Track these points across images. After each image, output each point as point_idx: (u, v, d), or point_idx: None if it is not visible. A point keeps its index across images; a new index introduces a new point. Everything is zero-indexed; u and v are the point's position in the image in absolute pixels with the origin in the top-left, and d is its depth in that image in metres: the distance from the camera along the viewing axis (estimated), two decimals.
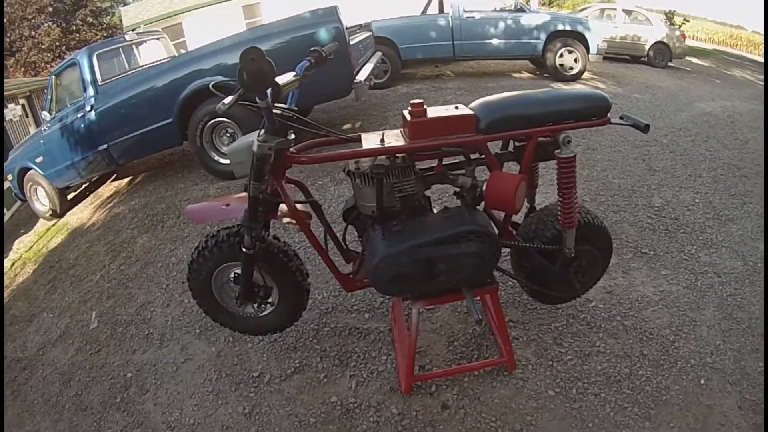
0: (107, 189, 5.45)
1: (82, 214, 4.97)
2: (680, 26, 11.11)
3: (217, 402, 1.99)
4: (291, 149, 1.61)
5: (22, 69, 15.85)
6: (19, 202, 6.17)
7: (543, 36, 6.71)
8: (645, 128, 1.58)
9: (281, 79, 1.42)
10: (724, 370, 1.80)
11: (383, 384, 1.87)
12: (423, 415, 1.73)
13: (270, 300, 1.88)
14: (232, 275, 1.84)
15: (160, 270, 3.14)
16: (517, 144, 1.76)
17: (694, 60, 11.01)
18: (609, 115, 1.64)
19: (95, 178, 5.60)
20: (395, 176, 1.56)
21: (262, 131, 1.50)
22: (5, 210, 6.51)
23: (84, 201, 5.38)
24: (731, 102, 6.27)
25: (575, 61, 6.73)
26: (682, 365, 1.83)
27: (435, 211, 1.72)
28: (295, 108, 1.56)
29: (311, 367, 2.01)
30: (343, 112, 5.66)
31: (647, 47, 9.59)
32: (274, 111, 1.50)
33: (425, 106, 1.53)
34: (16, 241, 5.24)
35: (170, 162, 5.45)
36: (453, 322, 2.09)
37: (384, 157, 1.58)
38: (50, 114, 4.72)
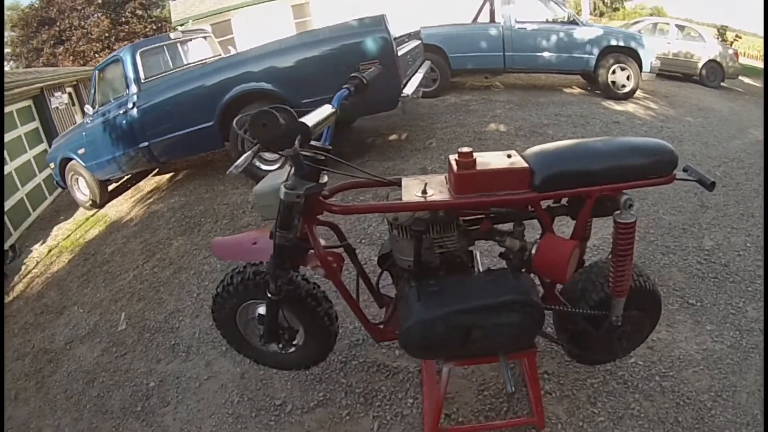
0: (148, 183, 5.57)
1: (121, 207, 5.10)
2: (732, 43, 10.59)
3: (236, 426, 1.98)
4: (324, 192, 1.51)
5: (71, 58, 16.38)
6: (59, 189, 6.37)
7: (596, 51, 6.48)
8: (710, 186, 1.44)
9: (312, 119, 1.33)
10: None
11: (407, 429, 1.81)
12: None
13: (295, 342, 1.83)
14: (256, 314, 1.79)
15: (193, 277, 3.16)
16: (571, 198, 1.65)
17: (746, 80, 10.44)
18: (674, 171, 1.48)
19: (137, 171, 5.72)
20: (436, 231, 1.46)
21: (291, 174, 1.41)
22: (46, 196, 6.76)
23: (125, 194, 5.52)
24: None
25: (627, 78, 6.48)
26: None
27: (478, 263, 1.64)
28: (329, 147, 1.46)
29: (335, 402, 1.97)
30: (389, 122, 5.59)
31: (700, 65, 9.19)
32: (304, 153, 1.38)
33: (474, 156, 1.40)
34: (55, 228, 5.41)
35: (212, 161, 5.49)
36: (485, 369, 2.00)
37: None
38: (93, 108, 4.81)
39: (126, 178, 5.88)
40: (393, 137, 5.11)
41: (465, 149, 1.38)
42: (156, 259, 3.55)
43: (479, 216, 1.55)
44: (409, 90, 3.87)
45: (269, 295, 1.57)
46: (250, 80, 3.94)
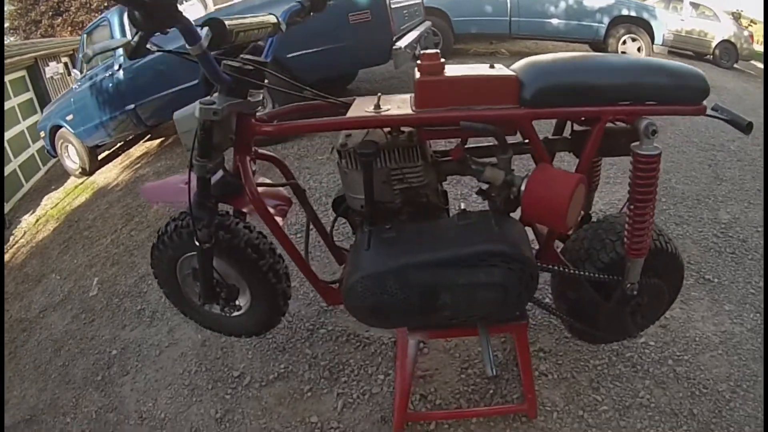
0: (139, 149, 5.44)
1: (110, 173, 4.97)
2: (748, 27, 10.10)
3: (191, 398, 1.80)
4: (258, 116, 1.23)
5: (70, 29, 16.12)
6: (53, 159, 6.28)
7: (606, 20, 6.22)
8: (747, 127, 1.13)
9: (233, 20, 1.07)
10: None
11: (374, 410, 1.58)
12: None
13: (237, 303, 1.56)
14: (190, 270, 1.51)
15: None
16: (576, 128, 1.31)
17: (759, 65, 9.97)
18: (704, 102, 1.17)
19: (130, 137, 5.56)
20: (394, 160, 1.16)
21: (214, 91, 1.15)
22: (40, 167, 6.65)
23: (115, 160, 5.39)
24: None
25: (638, 50, 6.21)
26: None
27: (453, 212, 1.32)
28: (264, 60, 1.19)
29: (297, 376, 1.75)
30: (387, 83, 5.38)
31: (713, 45, 8.75)
32: (230, 63, 1.13)
33: (442, 60, 1.10)
34: (45, 197, 5.33)
35: None
36: (471, 343, 1.76)
37: (382, 131, 1.17)
38: (81, 72, 4.69)
39: (118, 145, 5.74)
40: None
41: (430, 51, 1.09)
42: (134, 222, 3.40)
43: (453, 147, 1.23)
44: (402, 43, 3.62)
45: (196, 242, 1.28)
46: None
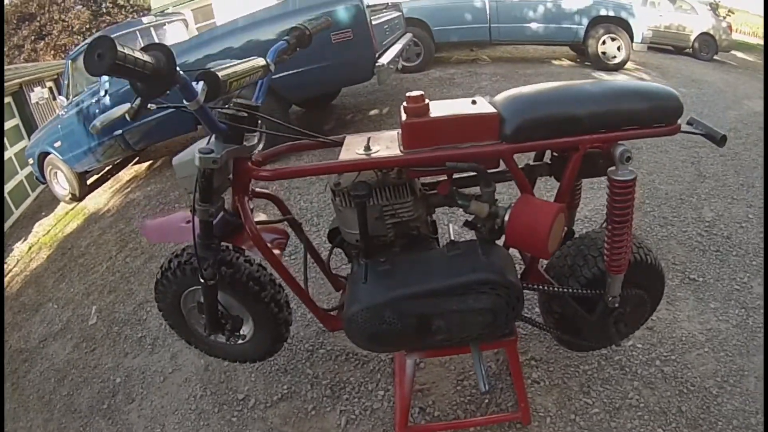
0: (127, 173, 5.42)
1: (100, 198, 4.96)
2: (725, 17, 10.28)
3: (198, 423, 1.83)
4: (254, 158, 1.28)
5: (53, 52, 16.04)
6: (42, 186, 6.24)
7: (585, 21, 6.25)
8: (721, 141, 1.19)
9: (226, 68, 1.12)
10: None
11: (376, 425, 1.63)
12: None
13: (241, 333, 1.61)
14: (195, 303, 1.56)
15: None
16: (555, 154, 1.36)
17: (739, 54, 10.16)
18: (679, 121, 1.22)
19: (117, 162, 5.56)
20: (385, 198, 1.22)
21: (212, 138, 1.19)
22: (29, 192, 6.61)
23: (104, 185, 5.37)
24: None
25: (618, 49, 6.26)
26: (722, 427, 1.52)
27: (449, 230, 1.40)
28: (256, 104, 1.23)
29: (300, 396, 1.80)
30: (371, 97, 5.41)
31: (692, 38, 8.94)
32: (224, 111, 1.16)
33: (427, 101, 1.15)
34: (36, 224, 5.29)
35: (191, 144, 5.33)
36: (465, 357, 1.81)
37: (371, 170, 1.23)
38: (67, 99, 4.67)
39: (106, 169, 5.73)
40: (374, 112, 4.93)
41: (415, 93, 1.14)
42: (129, 248, 3.41)
43: (441, 179, 1.29)
44: (384, 60, 3.68)
45: (202, 280, 1.33)
46: (230, 56, 3.73)
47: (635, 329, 1.60)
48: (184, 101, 1.05)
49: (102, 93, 4.21)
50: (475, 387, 1.69)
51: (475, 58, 7.33)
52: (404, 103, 1.15)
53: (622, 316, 1.42)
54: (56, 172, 5.17)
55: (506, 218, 1.16)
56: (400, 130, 1.21)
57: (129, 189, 4.73)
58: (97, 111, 4.30)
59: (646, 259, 1.40)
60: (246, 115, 1.18)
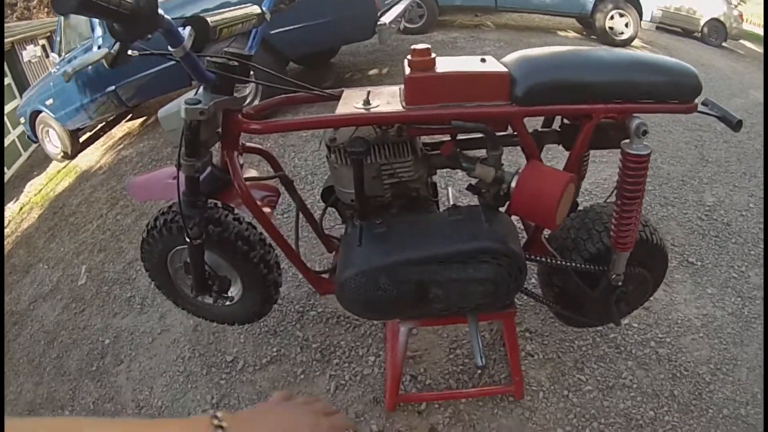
0: (120, 130, 5.32)
1: (92, 156, 4.87)
2: (737, 6, 10.05)
3: (186, 385, 1.81)
4: (245, 111, 1.20)
5: (46, 9, 15.52)
6: (34, 145, 6.15)
7: None
8: (737, 126, 1.14)
9: (216, 16, 1.04)
10: (757, 427, 1.48)
11: (366, 391, 1.61)
12: None
13: (229, 294, 1.56)
14: (182, 263, 1.50)
15: None
16: (566, 121, 1.30)
17: (748, 44, 9.98)
18: (697, 100, 1.16)
19: (111, 119, 5.44)
20: (384, 155, 1.15)
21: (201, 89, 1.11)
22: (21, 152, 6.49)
23: (96, 142, 5.27)
24: None
25: (626, 25, 6.11)
26: (713, 414, 1.51)
27: (446, 198, 1.34)
28: (249, 53, 1.16)
29: (289, 359, 1.78)
30: (371, 57, 5.30)
31: (702, 23, 8.69)
32: (214, 60, 1.08)
33: (434, 55, 1.08)
34: (28, 184, 5.23)
35: None
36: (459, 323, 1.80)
37: (370, 126, 1.15)
38: (59, 56, 4.55)
39: (99, 126, 5.62)
40: (373, 72, 4.83)
41: (421, 46, 1.06)
42: (120, 206, 3.35)
43: (444, 139, 1.22)
44: (386, 19, 3.57)
45: (187, 239, 1.27)
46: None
47: (635, 309, 1.58)
48: (169, 47, 0.98)
49: (95, 48, 4.07)
50: (467, 356, 1.67)
51: (479, 24, 7.16)
52: (408, 56, 1.08)
53: (624, 295, 1.38)
54: (48, 131, 5.08)
55: (513, 184, 1.10)
56: (402, 86, 1.14)
57: (121, 146, 4.63)
58: (90, 67, 4.17)
59: (652, 238, 1.36)
60: (237, 64, 1.11)
